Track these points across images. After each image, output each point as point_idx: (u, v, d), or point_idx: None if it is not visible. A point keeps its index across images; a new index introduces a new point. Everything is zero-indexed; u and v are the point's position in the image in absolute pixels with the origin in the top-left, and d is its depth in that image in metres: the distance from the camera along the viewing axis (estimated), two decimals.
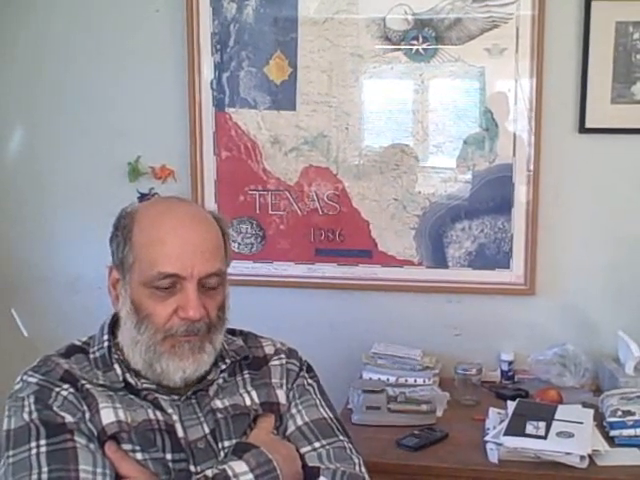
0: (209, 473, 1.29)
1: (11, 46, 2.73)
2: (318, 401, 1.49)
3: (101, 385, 1.36)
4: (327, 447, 1.41)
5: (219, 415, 1.39)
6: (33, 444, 1.26)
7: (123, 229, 1.40)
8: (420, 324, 2.59)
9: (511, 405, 2.12)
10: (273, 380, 1.49)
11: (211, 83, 2.61)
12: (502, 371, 2.50)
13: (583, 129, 2.43)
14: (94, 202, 2.70)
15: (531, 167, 2.46)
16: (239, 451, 1.32)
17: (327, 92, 2.55)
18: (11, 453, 1.26)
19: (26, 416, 1.29)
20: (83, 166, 2.73)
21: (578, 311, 2.51)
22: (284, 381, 1.49)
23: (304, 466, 1.37)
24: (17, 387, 1.34)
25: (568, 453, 1.86)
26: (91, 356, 1.41)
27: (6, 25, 2.72)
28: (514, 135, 2.47)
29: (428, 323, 2.59)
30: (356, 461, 1.42)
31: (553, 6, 2.39)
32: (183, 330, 1.35)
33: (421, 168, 2.55)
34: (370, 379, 2.41)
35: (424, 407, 2.17)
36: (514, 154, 2.48)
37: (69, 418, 1.29)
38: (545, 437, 1.91)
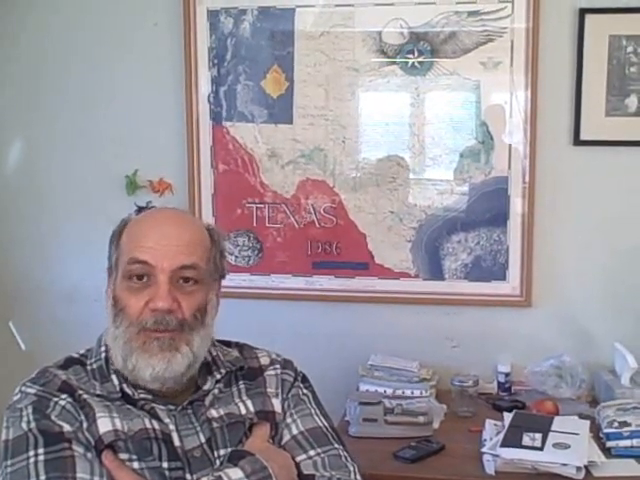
0: None
1: (8, 63, 2.75)
2: (313, 410, 1.50)
3: (98, 395, 1.37)
4: (322, 455, 1.42)
5: (215, 424, 1.40)
6: (31, 453, 1.27)
7: (116, 233, 1.46)
8: (417, 336, 2.59)
9: (508, 416, 2.12)
10: (268, 390, 1.49)
11: (208, 97, 2.63)
12: (499, 383, 2.50)
13: (578, 141, 2.44)
14: (92, 215, 2.71)
15: (526, 179, 2.48)
16: (234, 458, 1.33)
17: (324, 106, 2.57)
18: (9, 462, 1.27)
19: (24, 425, 1.30)
20: (81, 179, 2.74)
21: (574, 322, 2.51)
22: (279, 391, 1.50)
23: (299, 474, 1.37)
24: (15, 398, 1.35)
25: (564, 464, 1.86)
26: (88, 367, 1.43)
27: (2, 48, 2.75)
28: (510, 147, 2.49)
29: (425, 335, 2.59)
30: (351, 469, 1.42)
31: (547, 20, 2.41)
32: (152, 322, 1.36)
33: (417, 180, 2.56)
34: (367, 391, 2.41)
35: (421, 419, 2.17)
36: (510, 166, 2.49)
37: (67, 427, 1.30)
38: (541, 448, 1.91)
